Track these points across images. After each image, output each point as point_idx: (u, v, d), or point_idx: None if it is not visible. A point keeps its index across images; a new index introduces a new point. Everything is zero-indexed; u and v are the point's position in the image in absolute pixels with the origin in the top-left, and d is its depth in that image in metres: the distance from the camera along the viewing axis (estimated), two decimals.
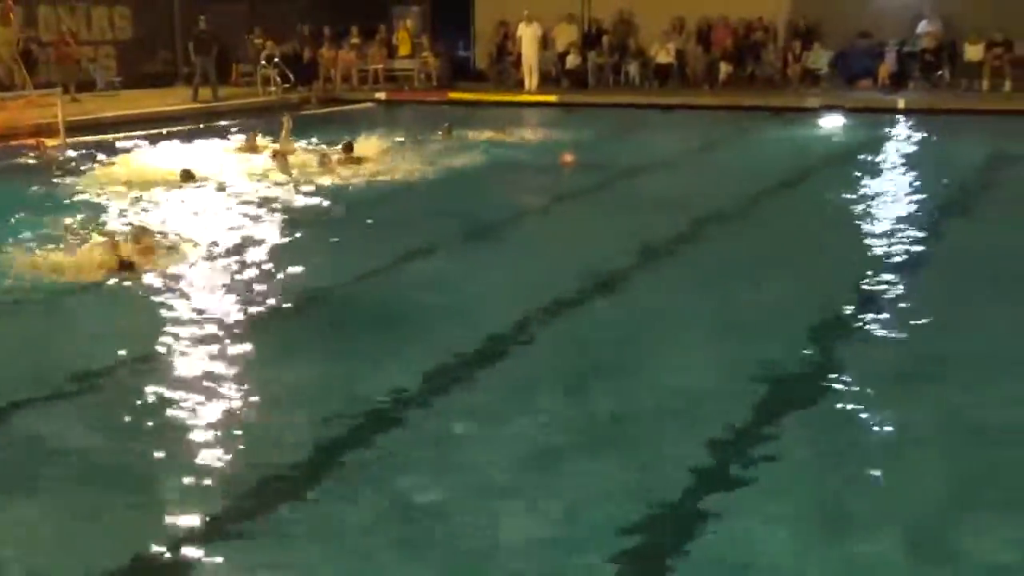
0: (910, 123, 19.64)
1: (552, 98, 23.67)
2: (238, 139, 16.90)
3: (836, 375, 6.51)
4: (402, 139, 17.24)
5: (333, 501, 4.92)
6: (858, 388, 6.25)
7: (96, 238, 9.47)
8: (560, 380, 6.39)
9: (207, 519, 4.70)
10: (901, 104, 21.08)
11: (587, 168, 14.53)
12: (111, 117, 19.83)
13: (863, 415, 5.89)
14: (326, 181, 13.30)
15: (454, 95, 25.00)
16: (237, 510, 4.82)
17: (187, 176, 13.09)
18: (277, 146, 15.24)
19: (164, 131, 18.20)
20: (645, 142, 18.52)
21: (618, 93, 24.31)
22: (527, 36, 24.94)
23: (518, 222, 11.51)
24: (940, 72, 22.91)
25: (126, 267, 8.54)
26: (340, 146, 15.20)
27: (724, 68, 24.40)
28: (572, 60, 25.75)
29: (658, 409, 5.99)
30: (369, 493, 4.95)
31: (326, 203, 12.05)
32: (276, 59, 24.83)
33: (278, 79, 24.68)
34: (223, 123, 20.14)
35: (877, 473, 5.22)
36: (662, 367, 6.71)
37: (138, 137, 17.57)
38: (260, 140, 16.03)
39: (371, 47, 27.17)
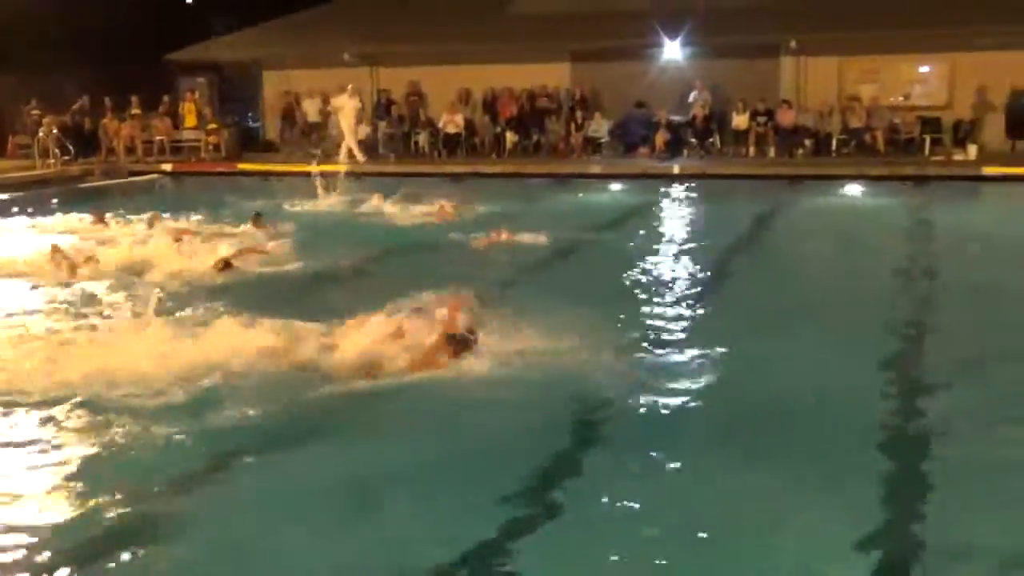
0: (684, 187, 20.77)
1: (342, 168, 23.74)
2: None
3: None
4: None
5: None
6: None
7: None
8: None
9: None
10: (676, 170, 22.25)
11: (372, 240, 14.55)
12: None
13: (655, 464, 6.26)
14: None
15: (244, 166, 24.83)
16: None
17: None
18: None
19: None
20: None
21: (408, 162, 24.69)
22: (347, 108, 24.86)
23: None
24: (711, 140, 24.32)
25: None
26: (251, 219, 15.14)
27: (510, 137, 25.17)
28: (362, 130, 26.03)
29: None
30: None
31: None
32: (55, 131, 24.10)
33: (57, 151, 23.94)
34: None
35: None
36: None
37: None
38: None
39: (155, 118, 26.73)
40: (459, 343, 8.05)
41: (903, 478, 6.24)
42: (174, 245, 13.27)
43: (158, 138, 26.47)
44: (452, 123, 25.55)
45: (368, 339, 8.30)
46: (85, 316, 9.96)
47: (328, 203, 18.30)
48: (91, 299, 10.83)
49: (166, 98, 27.51)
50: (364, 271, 12.63)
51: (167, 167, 24.96)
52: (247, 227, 14.96)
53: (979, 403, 7.43)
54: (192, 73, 29.00)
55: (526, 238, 14.01)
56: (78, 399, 7.37)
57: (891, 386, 7.92)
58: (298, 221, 16.06)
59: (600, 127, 24.98)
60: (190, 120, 27.10)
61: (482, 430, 6.90)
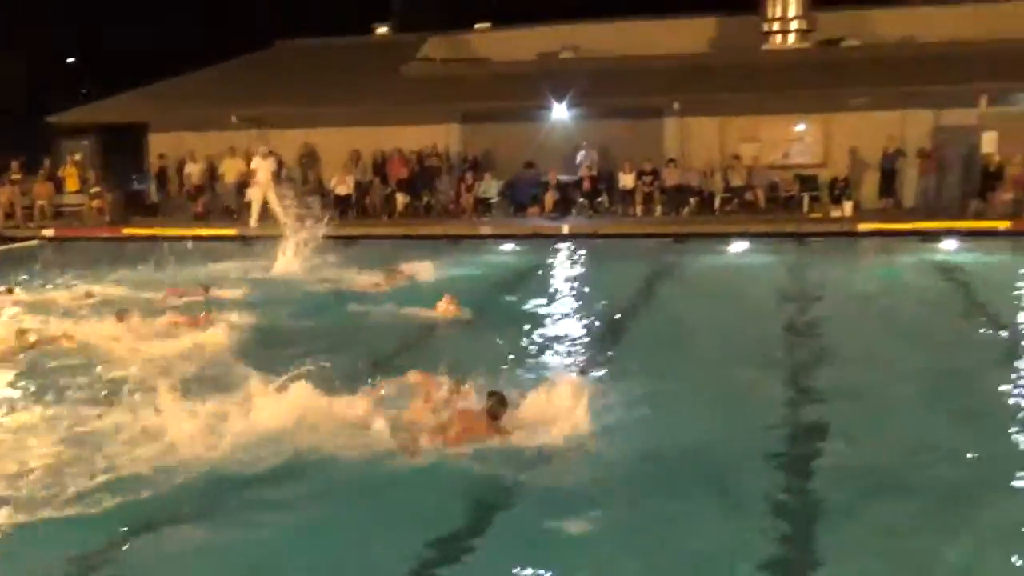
0: (575, 246, 21.09)
1: (232, 231, 23.54)
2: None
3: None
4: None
5: None
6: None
7: None
8: None
9: None
10: (566, 230, 22.58)
11: (252, 304, 14.30)
12: None
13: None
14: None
15: (129, 230, 24.36)
16: None
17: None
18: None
19: None
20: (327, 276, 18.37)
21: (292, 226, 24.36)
22: (262, 170, 24.23)
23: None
24: (599, 199, 24.75)
25: None
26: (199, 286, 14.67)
27: (401, 199, 25.25)
28: (250, 193, 25.80)
29: None
30: None
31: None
32: None
33: None
34: None
35: None
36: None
37: None
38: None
39: (36, 182, 26.15)
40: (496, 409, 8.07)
41: (797, 532, 6.45)
42: (116, 320, 12.59)
43: (39, 203, 25.89)
44: (343, 185, 25.54)
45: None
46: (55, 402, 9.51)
47: (249, 267, 17.96)
48: (56, 383, 10.18)
49: (47, 161, 26.96)
50: (323, 337, 12.27)
51: (48, 232, 24.36)
52: (194, 296, 14.40)
53: (861, 446, 7.80)
54: (74, 135, 28.47)
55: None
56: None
57: (778, 437, 8.19)
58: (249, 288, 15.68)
59: (490, 187, 25.23)
60: (72, 184, 26.59)
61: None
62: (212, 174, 26.69)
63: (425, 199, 25.56)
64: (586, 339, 12.19)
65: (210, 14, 41.95)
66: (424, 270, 16.81)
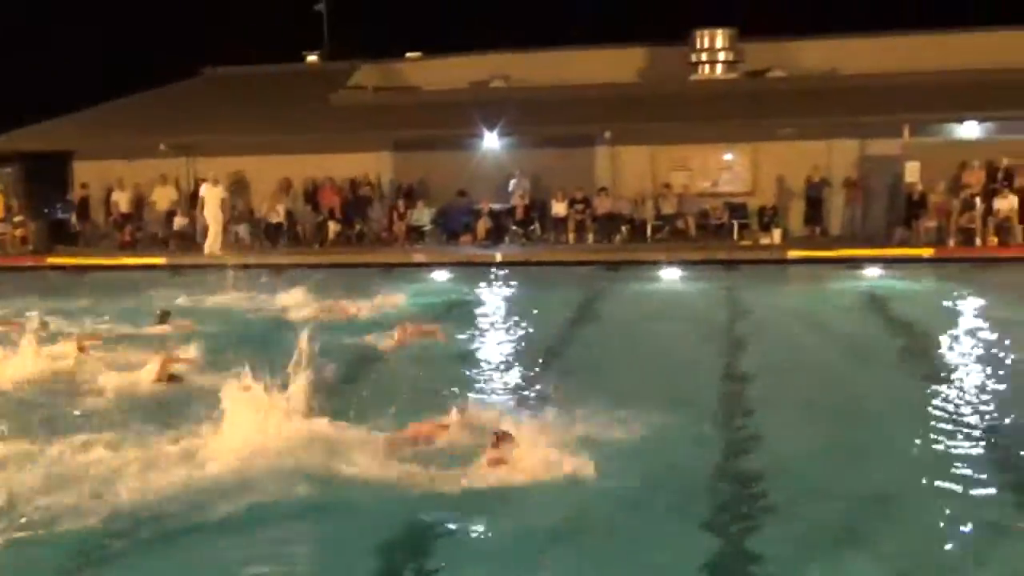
0: (508, 274, 21.08)
1: (160, 260, 23.23)
2: None
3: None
4: None
5: None
6: None
7: None
8: None
9: None
10: (499, 258, 22.60)
11: (199, 334, 13.81)
12: None
13: None
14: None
15: (55, 260, 23.87)
16: None
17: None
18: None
19: None
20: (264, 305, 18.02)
21: (228, 254, 24.19)
22: (211, 197, 24.00)
23: None
24: (532, 227, 24.84)
25: None
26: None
27: (333, 227, 25.10)
28: (179, 221, 25.53)
29: None
30: None
31: None
32: None
33: None
34: None
35: None
36: None
37: None
38: None
39: None
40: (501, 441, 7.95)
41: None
42: (78, 353, 12.03)
43: None
44: (274, 213, 25.34)
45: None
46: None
47: (185, 297, 17.53)
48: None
49: None
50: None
51: None
52: (153, 328, 13.99)
53: (796, 465, 7.97)
54: None
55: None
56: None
57: (716, 460, 8.25)
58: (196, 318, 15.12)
59: (423, 215, 25.21)
60: None
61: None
62: (139, 202, 26.36)
63: (357, 227, 25.44)
64: (530, 370, 12.00)
65: (137, 41, 41.50)
66: (368, 298, 16.66)
